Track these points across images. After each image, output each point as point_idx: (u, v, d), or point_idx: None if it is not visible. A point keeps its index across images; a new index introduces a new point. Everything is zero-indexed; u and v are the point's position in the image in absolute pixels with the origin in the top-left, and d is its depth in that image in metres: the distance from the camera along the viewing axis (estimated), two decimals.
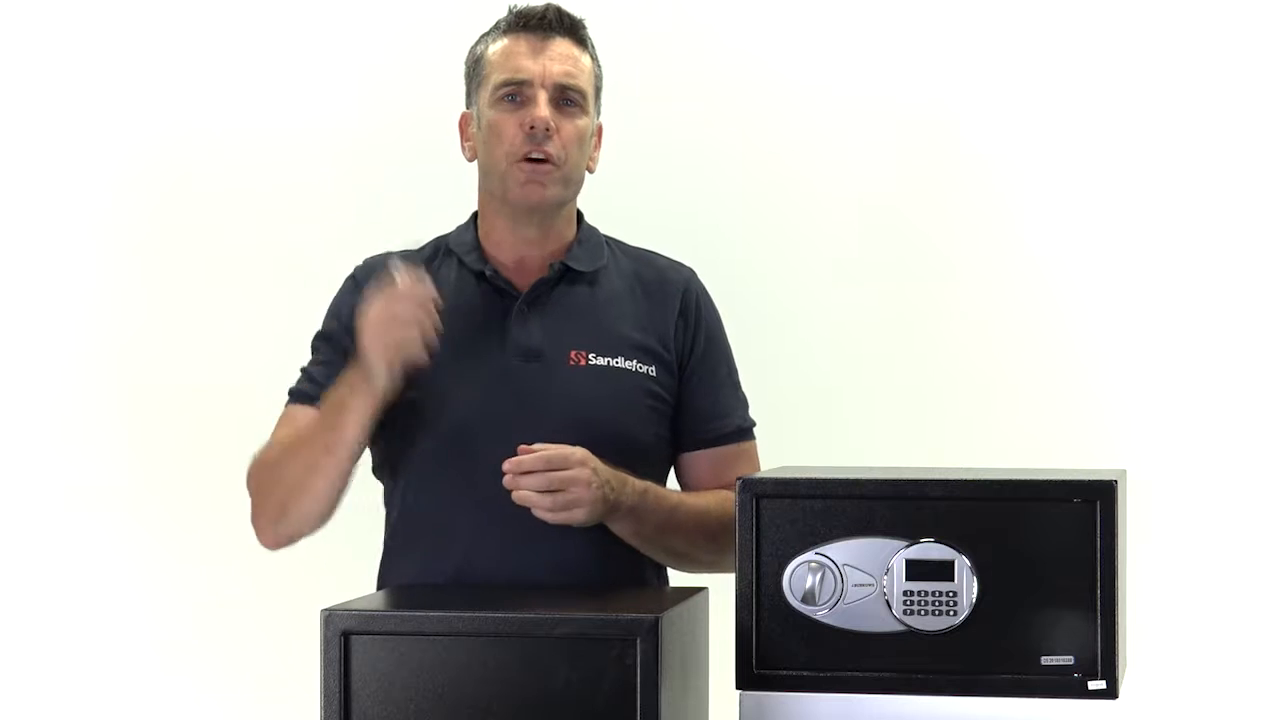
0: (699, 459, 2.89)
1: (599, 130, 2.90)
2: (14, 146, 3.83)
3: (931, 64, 3.70)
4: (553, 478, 2.63)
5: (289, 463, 2.76)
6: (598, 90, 2.87)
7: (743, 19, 3.74)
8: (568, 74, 2.81)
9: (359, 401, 2.69)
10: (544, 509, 2.63)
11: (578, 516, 2.66)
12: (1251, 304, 3.63)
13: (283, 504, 2.77)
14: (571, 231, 2.89)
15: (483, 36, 2.88)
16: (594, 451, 2.66)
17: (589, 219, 2.93)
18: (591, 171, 2.89)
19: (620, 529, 2.74)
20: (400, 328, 2.65)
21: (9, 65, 3.83)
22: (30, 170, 3.83)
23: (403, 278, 2.66)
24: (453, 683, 2.38)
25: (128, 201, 3.82)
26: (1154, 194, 3.66)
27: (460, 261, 2.86)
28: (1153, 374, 3.65)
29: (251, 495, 2.82)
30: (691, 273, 2.94)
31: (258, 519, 2.81)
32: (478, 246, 2.86)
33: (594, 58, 2.87)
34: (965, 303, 3.70)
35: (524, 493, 2.62)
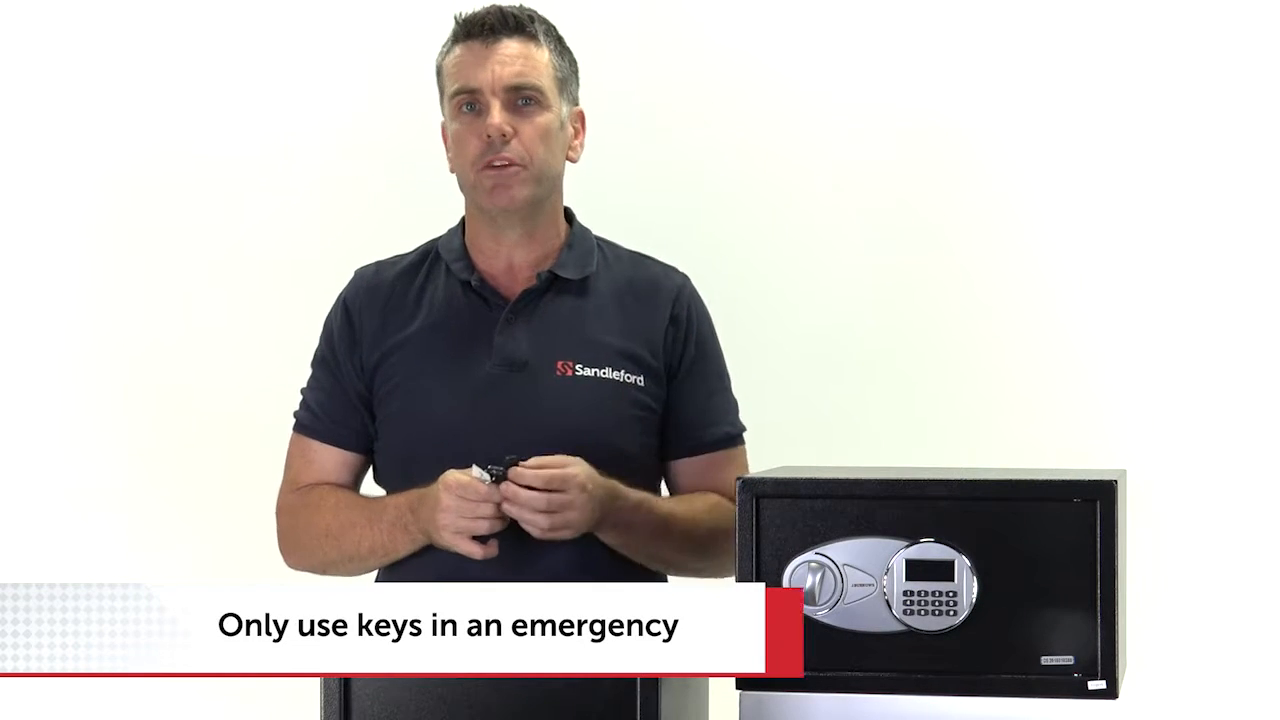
0: (689, 465, 2.89)
1: (580, 117, 2.87)
2: (14, 148, 3.83)
3: (930, 65, 3.70)
4: (552, 499, 2.64)
5: (332, 549, 2.82)
6: (562, 80, 2.83)
7: (740, 19, 3.74)
8: (518, 74, 2.78)
9: (416, 540, 2.74)
10: (536, 527, 2.65)
11: (566, 535, 2.68)
12: (1251, 304, 3.63)
13: (323, 570, 2.86)
14: (559, 233, 2.88)
15: (440, 49, 2.86)
16: None
17: (582, 219, 2.92)
18: (575, 161, 2.87)
19: (608, 539, 2.75)
20: (471, 524, 2.66)
21: (6, 68, 3.83)
22: (27, 172, 3.83)
23: (485, 488, 2.65)
24: (453, 683, 2.38)
25: (127, 203, 3.82)
26: (1154, 194, 3.66)
27: (448, 269, 2.86)
28: (1153, 374, 3.65)
29: (284, 540, 2.89)
30: (685, 278, 2.93)
31: (289, 558, 2.89)
32: (465, 254, 2.86)
33: (553, 49, 2.83)
34: (965, 303, 3.70)
35: (518, 509, 2.64)
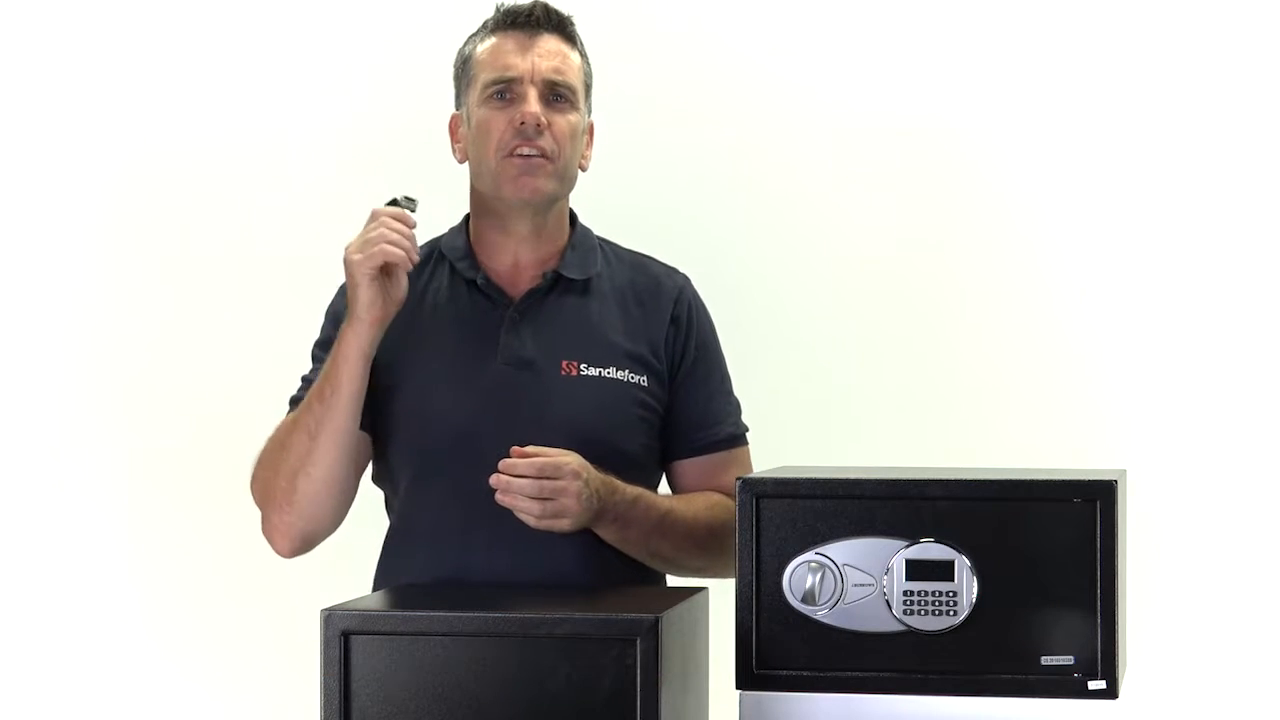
0: (691, 466, 2.89)
1: (590, 129, 2.89)
2: (15, 149, 3.83)
3: (930, 67, 3.70)
4: (544, 486, 2.63)
5: (291, 438, 2.72)
6: (588, 87, 2.86)
7: (742, 22, 3.74)
8: (557, 70, 2.80)
9: (350, 338, 2.68)
10: (530, 515, 2.64)
11: (562, 525, 2.66)
12: (1251, 304, 3.63)
13: (292, 482, 2.71)
14: (564, 233, 2.88)
15: (470, 37, 2.87)
16: None
17: (584, 219, 2.92)
18: (584, 170, 2.88)
19: (606, 534, 2.75)
20: (378, 242, 2.67)
21: (7, 68, 3.83)
22: (29, 172, 3.83)
23: (378, 209, 2.70)
24: (453, 683, 2.38)
25: (126, 203, 3.82)
26: (1153, 195, 3.66)
27: (452, 267, 2.86)
28: (1153, 374, 3.65)
29: (257, 497, 2.77)
30: (685, 279, 2.93)
31: (269, 518, 2.75)
32: (469, 253, 2.86)
33: (583, 55, 2.86)
34: (965, 303, 3.70)
35: (511, 497, 2.63)
